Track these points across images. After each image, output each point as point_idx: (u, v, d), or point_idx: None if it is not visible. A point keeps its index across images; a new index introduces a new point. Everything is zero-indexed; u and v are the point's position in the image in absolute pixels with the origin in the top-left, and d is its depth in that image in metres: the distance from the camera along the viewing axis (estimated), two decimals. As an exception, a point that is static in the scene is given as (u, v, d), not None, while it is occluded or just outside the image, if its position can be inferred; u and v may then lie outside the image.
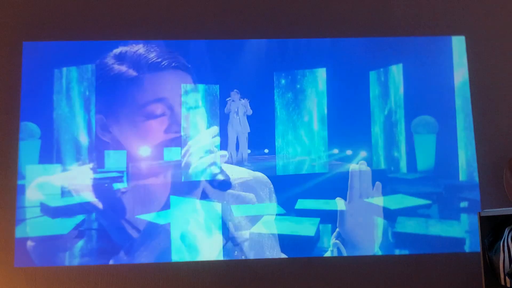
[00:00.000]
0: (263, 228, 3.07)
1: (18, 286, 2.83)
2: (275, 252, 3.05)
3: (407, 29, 3.19)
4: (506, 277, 2.44)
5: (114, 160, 3.05)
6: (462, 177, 3.11)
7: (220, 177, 3.10)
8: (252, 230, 3.05)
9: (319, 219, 3.06)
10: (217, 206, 3.06)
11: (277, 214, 3.08)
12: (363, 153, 3.12)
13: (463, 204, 3.09)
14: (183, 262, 2.96)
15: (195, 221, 3.03)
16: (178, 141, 3.09)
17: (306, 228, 3.07)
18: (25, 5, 3.09)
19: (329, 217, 3.07)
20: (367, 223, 3.08)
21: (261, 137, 3.19)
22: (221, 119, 3.17)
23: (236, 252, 3.03)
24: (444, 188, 3.10)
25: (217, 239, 3.03)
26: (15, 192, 2.93)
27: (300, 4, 3.21)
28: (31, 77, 3.04)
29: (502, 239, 2.49)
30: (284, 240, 3.06)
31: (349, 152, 3.13)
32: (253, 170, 3.16)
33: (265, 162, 3.20)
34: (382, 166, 3.13)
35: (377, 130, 3.16)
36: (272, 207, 3.09)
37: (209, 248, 3.02)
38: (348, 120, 3.17)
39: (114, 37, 3.09)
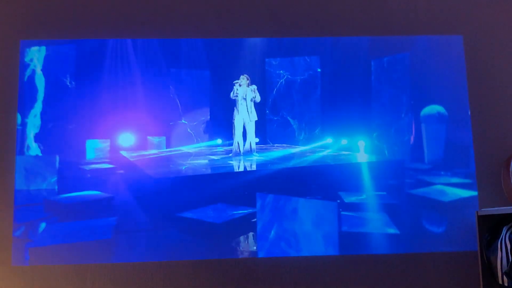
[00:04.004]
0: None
1: (15, 285, 2.88)
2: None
3: (405, 29, 3.09)
4: (504, 276, 2.37)
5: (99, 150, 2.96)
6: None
7: None
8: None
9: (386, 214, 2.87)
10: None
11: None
12: (361, 143, 2.99)
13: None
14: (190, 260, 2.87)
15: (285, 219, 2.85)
16: (166, 129, 3.02)
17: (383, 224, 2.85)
18: (22, 4, 3.07)
19: (390, 211, 2.86)
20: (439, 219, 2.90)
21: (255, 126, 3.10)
22: (212, 105, 3.07)
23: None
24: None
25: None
26: (13, 191, 2.88)
27: (297, 4, 3.09)
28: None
29: (500, 238, 2.41)
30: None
31: (344, 142, 3.01)
32: (263, 160, 3.04)
33: (272, 152, 3.10)
34: (391, 156, 2.98)
35: (379, 119, 3.01)
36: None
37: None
38: (347, 109, 3.02)
39: (110, 35, 3.06)
